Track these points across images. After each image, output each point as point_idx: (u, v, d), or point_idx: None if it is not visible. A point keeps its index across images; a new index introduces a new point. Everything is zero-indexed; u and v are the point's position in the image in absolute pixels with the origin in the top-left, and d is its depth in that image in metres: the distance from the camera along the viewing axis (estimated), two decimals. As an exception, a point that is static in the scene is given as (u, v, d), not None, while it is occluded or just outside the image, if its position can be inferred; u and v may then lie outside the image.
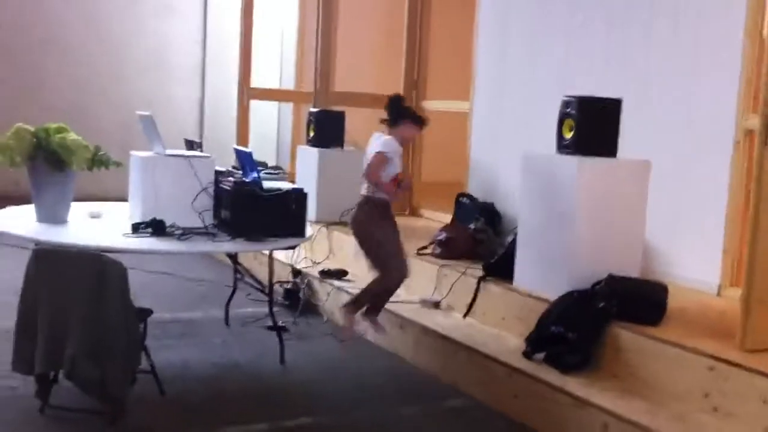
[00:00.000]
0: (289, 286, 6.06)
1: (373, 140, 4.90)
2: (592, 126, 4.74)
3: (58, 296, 3.67)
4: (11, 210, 4.70)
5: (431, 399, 4.40)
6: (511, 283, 4.99)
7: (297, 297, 5.95)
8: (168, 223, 4.33)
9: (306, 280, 6.08)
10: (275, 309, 5.08)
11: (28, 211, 4.50)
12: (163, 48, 10.65)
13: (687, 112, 5.26)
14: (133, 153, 4.83)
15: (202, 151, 5.10)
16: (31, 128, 4.38)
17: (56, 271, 3.69)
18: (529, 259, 4.93)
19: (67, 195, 4.47)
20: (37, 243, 3.99)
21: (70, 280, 3.66)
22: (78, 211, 4.62)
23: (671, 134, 5.33)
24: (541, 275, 4.79)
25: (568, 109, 4.80)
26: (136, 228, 4.30)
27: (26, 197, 4.53)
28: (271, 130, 10.90)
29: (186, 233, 4.30)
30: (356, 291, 5.18)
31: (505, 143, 6.76)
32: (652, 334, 4.06)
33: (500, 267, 5.14)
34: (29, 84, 9.92)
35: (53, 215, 4.41)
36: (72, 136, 4.41)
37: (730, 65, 4.96)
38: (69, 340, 3.61)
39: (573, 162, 4.67)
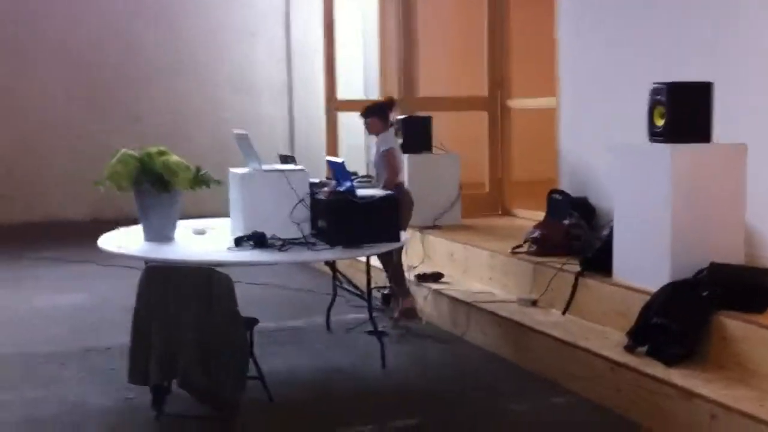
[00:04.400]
0: (387, 291, 6.15)
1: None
2: (683, 112, 4.66)
3: (170, 310, 3.84)
4: (120, 231, 4.94)
5: (535, 397, 4.41)
6: (610, 277, 4.94)
7: (400, 300, 6.02)
8: (268, 235, 4.47)
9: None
10: (375, 314, 5.18)
11: (136, 231, 4.73)
12: (248, 70, 10.96)
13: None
14: (232, 170, 5.01)
15: (295, 164, 5.24)
16: (135, 153, 4.60)
17: (167, 286, 3.87)
18: (627, 251, 4.88)
19: (173, 214, 4.67)
20: (147, 261, 4.19)
21: (180, 294, 3.83)
22: (183, 229, 4.82)
23: (766, 113, 5.18)
24: (641, 267, 4.73)
25: (658, 96, 4.72)
26: (239, 242, 4.46)
27: (129, 221, 4.75)
28: (361, 139, 11.06)
29: (286, 244, 4.43)
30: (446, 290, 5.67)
31: (594, 136, 6.69)
32: (759, 321, 3.97)
33: (598, 261, 5.10)
34: (126, 114, 10.36)
35: (161, 234, 4.61)
36: (174, 158, 4.60)
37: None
38: (181, 351, 3.78)
39: (666, 150, 4.61)
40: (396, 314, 5.72)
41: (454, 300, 5.65)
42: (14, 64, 9.99)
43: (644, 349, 4.28)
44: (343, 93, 8.93)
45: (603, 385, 4.25)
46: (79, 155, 9.73)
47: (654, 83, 4.79)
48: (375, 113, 6.00)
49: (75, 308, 6.31)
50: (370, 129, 6.04)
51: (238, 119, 10.20)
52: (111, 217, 8.26)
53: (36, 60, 10.05)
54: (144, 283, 3.93)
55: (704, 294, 4.26)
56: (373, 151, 6.03)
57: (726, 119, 4.93)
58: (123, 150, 4.62)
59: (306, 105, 10.95)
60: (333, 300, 5.68)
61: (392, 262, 5.57)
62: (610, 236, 5.05)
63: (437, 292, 5.83)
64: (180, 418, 4.01)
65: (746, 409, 3.52)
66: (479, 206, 7.87)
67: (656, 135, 4.75)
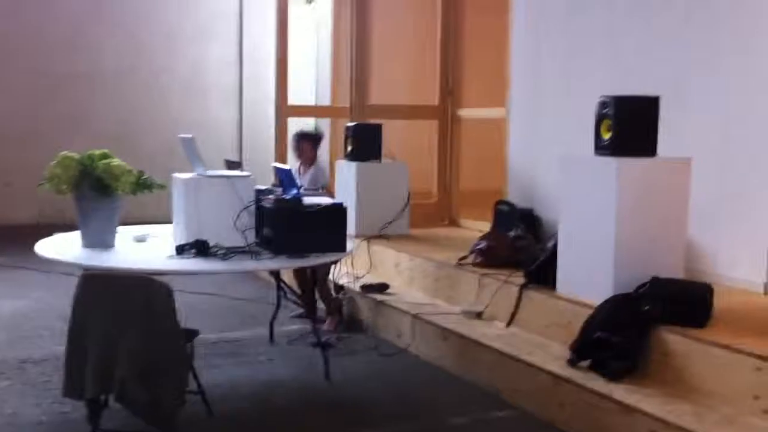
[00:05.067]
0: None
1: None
2: (630, 125, 4.70)
3: (107, 320, 3.72)
4: (58, 237, 4.80)
5: (478, 410, 4.39)
6: (554, 290, 4.97)
7: (340, 312, 5.99)
8: (211, 243, 4.38)
9: (348, 296, 6.12)
10: (318, 325, 5.12)
11: (75, 237, 4.60)
12: (200, 72, 10.84)
13: (727, 107, 5.19)
14: (175, 175, 4.91)
15: (242, 170, 5.17)
16: (76, 155, 4.48)
17: (104, 294, 3.76)
18: (570, 264, 4.91)
19: (113, 220, 4.55)
20: (85, 268, 4.07)
21: (118, 304, 3.72)
22: (123, 235, 4.71)
23: (712, 130, 5.26)
24: (584, 280, 4.76)
25: (606, 110, 4.76)
26: (181, 250, 4.37)
27: (72, 225, 4.64)
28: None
29: (229, 253, 4.36)
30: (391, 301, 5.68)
31: (542, 147, 6.74)
32: (699, 337, 4.02)
33: (542, 273, 5.12)
34: (72, 114, 10.16)
35: (100, 240, 4.49)
36: (116, 161, 4.49)
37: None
38: (118, 363, 3.66)
39: (612, 163, 4.64)
40: (327, 326, 5.80)
41: (398, 311, 5.61)
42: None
43: (587, 363, 4.30)
44: (293, 99, 8.85)
45: (546, 399, 4.26)
46: (25, 157, 9.48)
47: (601, 96, 4.83)
48: (311, 139, 6.34)
49: (12, 316, 6.13)
50: (301, 153, 6.28)
51: (187, 123, 10.07)
52: (54, 221, 8.06)
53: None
54: (80, 291, 3.81)
55: (645, 308, 4.30)
56: (299, 182, 5.78)
57: (670, 133, 4.99)
58: (64, 152, 4.49)
59: (255, 110, 10.86)
60: (276, 310, 5.61)
61: (321, 279, 5.63)
62: (554, 248, 5.07)
63: (382, 303, 5.80)
64: (117, 432, 3.90)
65: (686, 425, 3.55)
66: (427, 216, 7.86)
67: (603, 148, 4.78)
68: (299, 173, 6.25)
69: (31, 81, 10.02)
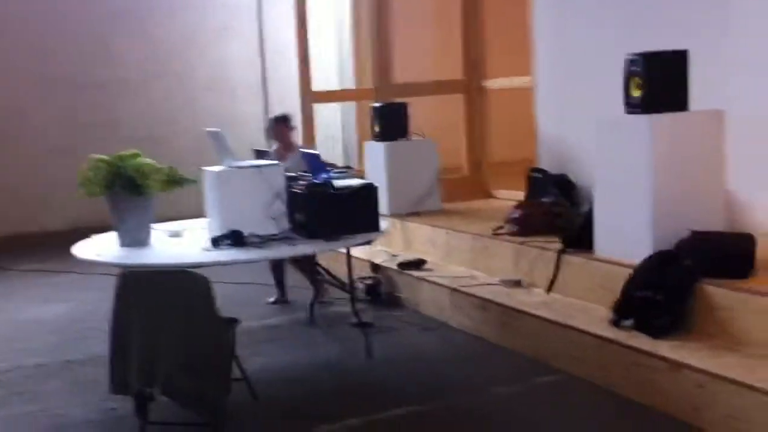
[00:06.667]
0: (369, 281, 6.11)
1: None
2: (659, 81, 4.62)
3: (148, 316, 3.77)
4: (95, 238, 4.86)
5: (523, 377, 4.38)
6: (592, 253, 4.91)
7: (378, 292, 5.99)
8: (246, 233, 4.41)
9: (386, 274, 6.12)
10: (358, 305, 5.13)
11: (111, 238, 4.66)
12: (223, 69, 10.88)
13: (759, 55, 5.06)
14: (206, 168, 4.94)
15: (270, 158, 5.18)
16: (106, 158, 4.52)
17: (144, 291, 3.80)
18: (608, 226, 4.85)
19: (147, 218, 4.59)
20: (123, 267, 4.12)
21: (158, 299, 3.76)
22: (158, 232, 4.75)
23: (744, 80, 5.14)
24: (622, 241, 4.70)
25: (634, 67, 4.68)
26: (216, 242, 4.40)
27: (107, 226, 4.69)
28: (337, 131, 10.99)
29: (264, 241, 4.38)
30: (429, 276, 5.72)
31: (572, 112, 6.65)
32: (743, 288, 3.95)
33: (580, 238, 5.06)
34: (101, 118, 10.25)
35: (136, 239, 4.53)
36: (146, 160, 4.53)
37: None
38: (162, 357, 3.71)
39: (644, 121, 4.57)
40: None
41: (437, 286, 5.60)
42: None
43: (630, 322, 4.25)
44: (318, 85, 8.84)
45: (591, 362, 4.23)
46: (57, 165, 9.62)
47: (628, 54, 4.74)
48: (285, 122, 6.42)
49: (57, 319, 6.24)
50: (282, 137, 6.32)
51: (214, 119, 10.12)
52: (91, 225, 8.16)
53: (7, 69, 9.90)
54: (120, 290, 3.86)
55: (687, 263, 4.24)
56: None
57: (702, 87, 4.89)
58: (93, 155, 4.54)
59: (281, 100, 10.86)
60: (316, 294, 5.63)
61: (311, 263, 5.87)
62: (590, 212, 5.01)
63: (420, 279, 5.79)
64: (165, 425, 3.93)
65: (735, 377, 3.50)
66: (459, 190, 7.81)
67: (633, 106, 4.71)
68: (280, 158, 6.10)
69: (54, 86, 10.11)
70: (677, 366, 3.75)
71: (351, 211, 4.57)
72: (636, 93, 4.68)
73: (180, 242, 4.69)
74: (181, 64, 10.68)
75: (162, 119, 10.52)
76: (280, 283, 6.24)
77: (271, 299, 6.26)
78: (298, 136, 6.61)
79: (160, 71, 10.57)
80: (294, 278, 6.36)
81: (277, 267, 6.15)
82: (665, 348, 3.91)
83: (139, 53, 10.47)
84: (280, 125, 6.40)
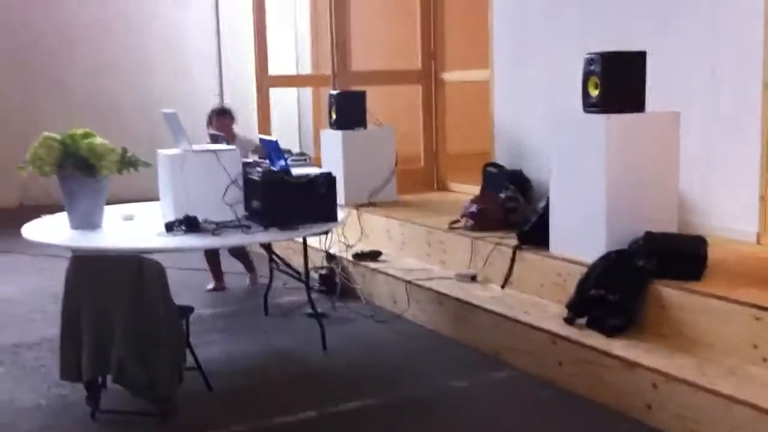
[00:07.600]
0: (324, 271, 6.07)
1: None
2: (617, 81, 4.66)
3: (100, 301, 3.69)
4: (45, 219, 4.74)
5: (477, 372, 4.40)
6: (547, 250, 4.95)
7: (333, 282, 5.96)
8: (200, 218, 4.34)
9: (341, 265, 6.09)
10: (313, 296, 5.10)
11: (62, 219, 4.54)
12: (178, 41, 10.70)
13: (712, 59, 5.15)
14: (160, 152, 4.84)
15: (227, 143, 5.10)
16: (58, 136, 4.39)
17: (95, 276, 3.72)
18: (563, 223, 4.89)
19: (99, 200, 4.48)
20: (74, 250, 4.02)
21: (110, 284, 3.69)
22: (111, 214, 4.65)
23: (698, 83, 5.23)
24: (577, 239, 4.74)
25: (592, 67, 4.72)
26: (170, 227, 4.32)
27: (59, 206, 4.57)
28: (293, 116, 10.90)
29: (219, 228, 4.31)
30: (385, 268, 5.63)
31: (528, 108, 6.69)
32: (695, 289, 4.01)
33: (535, 234, 5.09)
34: (51, 90, 10.00)
35: (87, 221, 4.42)
36: (99, 140, 4.42)
37: (754, 6, 4.85)
38: (114, 344, 3.64)
39: (601, 120, 4.60)
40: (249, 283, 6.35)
41: (392, 278, 5.59)
42: None
43: (584, 320, 4.30)
44: (274, 69, 8.73)
45: (544, 359, 4.26)
46: (2, 133, 9.36)
47: (588, 53, 4.78)
48: (227, 113, 6.35)
49: (2, 301, 6.07)
50: (219, 127, 6.12)
51: (166, 95, 9.98)
52: (39, 202, 7.96)
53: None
54: (71, 273, 3.77)
55: (640, 264, 4.29)
56: None
57: (659, 87, 4.95)
58: (45, 133, 4.41)
59: (236, 81, 10.73)
60: (270, 283, 5.58)
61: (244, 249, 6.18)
62: (546, 209, 5.05)
63: (375, 271, 5.77)
64: (117, 414, 3.86)
65: (688, 377, 3.56)
66: (415, 181, 7.81)
67: (591, 105, 4.74)
68: None
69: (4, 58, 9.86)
70: (630, 365, 3.80)
71: (309, 201, 4.53)
72: (594, 92, 4.71)
73: (133, 226, 4.60)
74: (136, 29, 10.48)
75: (113, 90, 10.34)
76: (216, 270, 6.22)
77: (210, 286, 6.21)
78: (238, 127, 6.53)
79: (112, 36, 10.38)
80: (226, 264, 6.30)
81: (213, 254, 6.12)
82: (618, 347, 3.96)
83: (90, 12, 10.24)
84: (223, 117, 6.31)
